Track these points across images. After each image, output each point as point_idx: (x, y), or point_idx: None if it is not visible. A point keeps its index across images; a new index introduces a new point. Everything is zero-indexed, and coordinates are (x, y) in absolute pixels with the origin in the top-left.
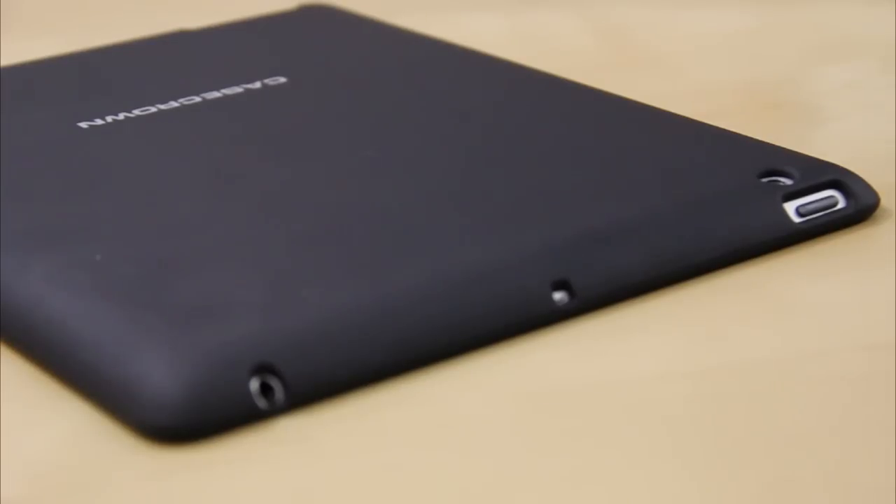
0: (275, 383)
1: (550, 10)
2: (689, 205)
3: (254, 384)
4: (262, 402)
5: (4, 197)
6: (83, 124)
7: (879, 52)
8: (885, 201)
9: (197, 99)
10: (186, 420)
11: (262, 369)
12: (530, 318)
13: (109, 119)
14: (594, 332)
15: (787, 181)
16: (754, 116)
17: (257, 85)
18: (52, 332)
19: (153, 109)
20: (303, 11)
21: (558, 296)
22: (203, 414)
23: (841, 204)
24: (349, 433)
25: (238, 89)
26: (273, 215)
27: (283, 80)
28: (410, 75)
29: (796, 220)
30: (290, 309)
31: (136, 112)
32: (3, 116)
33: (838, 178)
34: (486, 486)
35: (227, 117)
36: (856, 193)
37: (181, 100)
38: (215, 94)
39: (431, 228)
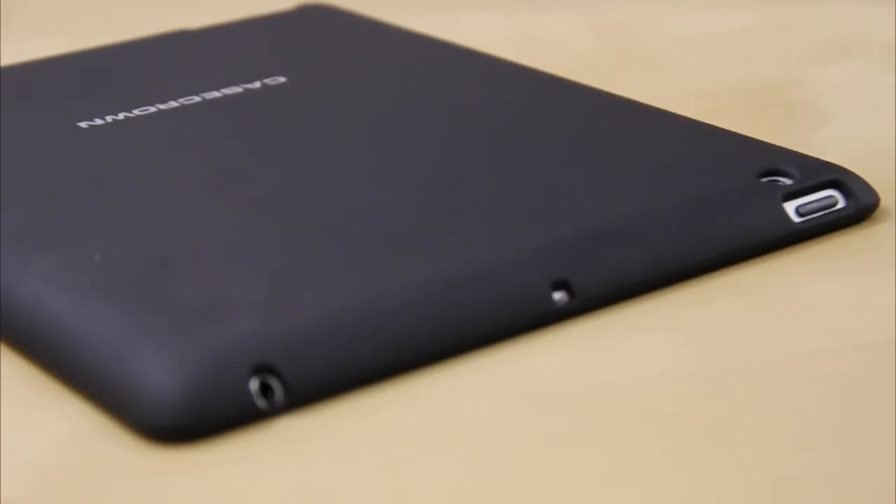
0: (274, 383)
1: (550, 10)
2: (689, 205)
3: (253, 384)
4: (261, 402)
5: (4, 197)
6: (83, 124)
7: (879, 52)
8: (885, 201)
9: (197, 99)
10: (186, 420)
11: (262, 369)
12: (530, 318)
13: (109, 119)
14: (594, 332)
15: (787, 181)
16: (754, 116)
17: (257, 85)
18: (52, 332)
19: (153, 109)
20: (302, 11)
21: (558, 296)
22: (203, 414)
23: (841, 204)
24: (349, 433)
25: (238, 89)
26: (273, 215)
27: (283, 80)
28: (410, 75)
29: (796, 219)
30: (290, 309)
31: (136, 112)
32: (3, 116)
33: (838, 177)
34: (485, 486)
35: (227, 117)
36: (856, 193)
37: (181, 100)
38: (215, 94)
39: (431, 228)
